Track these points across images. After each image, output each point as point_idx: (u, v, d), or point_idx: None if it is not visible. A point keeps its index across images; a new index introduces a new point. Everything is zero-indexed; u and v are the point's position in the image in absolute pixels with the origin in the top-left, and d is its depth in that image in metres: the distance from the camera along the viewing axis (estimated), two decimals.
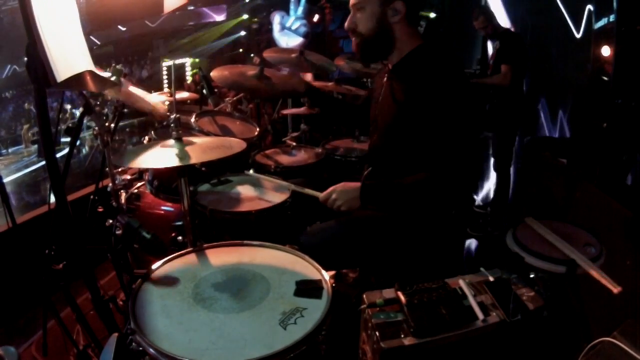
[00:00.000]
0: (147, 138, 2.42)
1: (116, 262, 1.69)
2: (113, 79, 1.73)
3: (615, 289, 1.32)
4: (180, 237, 1.76)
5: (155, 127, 2.34)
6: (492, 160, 3.90)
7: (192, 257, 1.44)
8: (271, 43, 6.32)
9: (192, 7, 6.85)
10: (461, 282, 1.28)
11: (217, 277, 1.33)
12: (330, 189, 1.58)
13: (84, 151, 5.22)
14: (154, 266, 1.36)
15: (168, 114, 2.14)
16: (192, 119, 2.28)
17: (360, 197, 1.53)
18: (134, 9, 5.64)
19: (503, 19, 4.48)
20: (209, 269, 1.37)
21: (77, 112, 1.63)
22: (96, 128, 1.71)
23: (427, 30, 5.44)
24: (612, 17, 2.94)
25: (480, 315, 1.16)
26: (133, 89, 1.95)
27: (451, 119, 1.45)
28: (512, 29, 4.28)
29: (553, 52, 4.06)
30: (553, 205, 2.94)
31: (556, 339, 1.34)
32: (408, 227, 1.61)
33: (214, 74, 2.51)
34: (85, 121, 1.63)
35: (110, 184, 1.91)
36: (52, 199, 1.36)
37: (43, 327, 1.81)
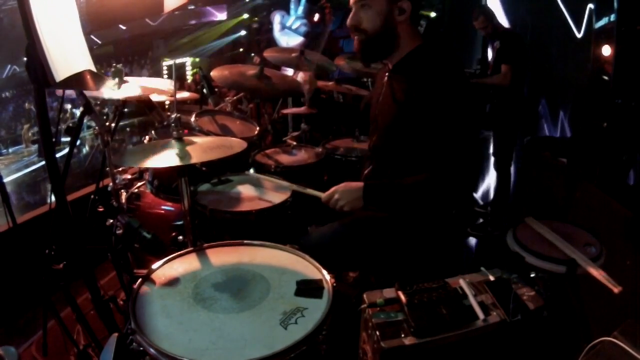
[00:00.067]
0: (147, 138, 2.42)
1: (116, 262, 1.70)
2: (115, 80, 1.73)
3: (616, 289, 1.32)
4: (180, 237, 1.76)
5: (155, 126, 2.33)
6: (492, 159, 3.91)
7: (192, 257, 1.44)
8: (271, 42, 6.32)
9: (192, 7, 6.85)
10: (461, 282, 1.28)
11: (217, 277, 1.33)
12: (333, 189, 1.57)
13: (84, 151, 5.22)
14: (154, 266, 1.36)
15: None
16: (192, 119, 2.28)
17: (362, 197, 1.52)
18: (134, 9, 5.64)
19: (502, 20, 4.48)
20: (209, 269, 1.37)
21: (77, 112, 1.62)
22: (96, 128, 1.71)
23: (427, 30, 5.43)
24: (612, 17, 2.94)
25: (481, 315, 1.16)
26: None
27: (451, 119, 1.45)
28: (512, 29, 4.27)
29: (553, 52, 4.06)
30: (553, 205, 2.94)
31: (556, 339, 1.34)
32: (408, 227, 1.61)
33: (214, 73, 2.51)
34: (85, 121, 1.63)
35: (111, 184, 1.91)
36: (53, 198, 1.36)
37: (43, 327, 1.81)
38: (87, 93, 1.56)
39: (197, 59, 6.41)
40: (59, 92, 1.61)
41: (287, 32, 6.20)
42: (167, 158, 1.46)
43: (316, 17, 6.17)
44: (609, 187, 2.52)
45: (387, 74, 1.67)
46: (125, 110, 1.84)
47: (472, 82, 3.54)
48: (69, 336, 1.74)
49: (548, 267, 1.44)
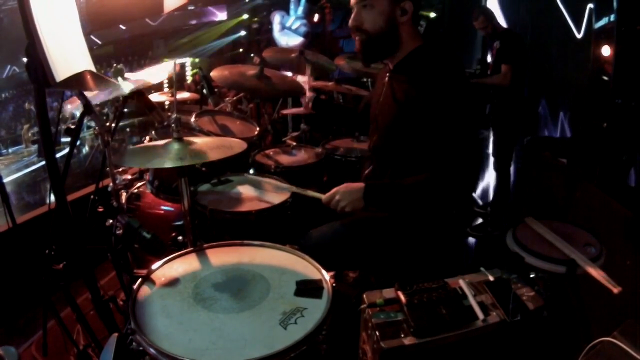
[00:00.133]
0: (147, 138, 2.42)
1: (116, 262, 1.70)
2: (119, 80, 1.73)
3: (615, 289, 1.32)
4: (180, 237, 1.76)
5: (155, 127, 2.33)
6: (492, 159, 3.91)
7: (192, 257, 1.44)
8: (271, 43, 6.32)
9: (192, 7, 6.85)
10: (461, 282, 1.28)
11: (217, 277, 1.33)
12: (333, 190, 1.57)
13: (84, 151, 5.21)
14: (154, 266, 1.36)
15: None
16: (192, 119, 2.28)
17: (363, 198, 1.52)
18: (134, 9, 5.64)
19: (500, 21, 4.48)
20: (209, 269, 1.37)
21: (77, 112, 1.62)
22: (96, 128, 1.71)
23: (427, 30, 5.44)
24: (612, 17, 2.94)
25: (481, 315, 1.16)
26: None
27: (452, 119, 1.45)
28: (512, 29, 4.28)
29: (553, 52, 4.06)
30: (553, 205, 2.94)
31: (556, 339, 1.34)
32: (409, 227, 1.61)
33: (214, 73, 2.51)
34: (85, 121, 1.63)
35: (111, 184, 1.91)
36: (52, 198, 1.36)
37: (43, 327, 1.81)
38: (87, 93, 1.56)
39: (197, 59, 6.41)
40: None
41: (287, 32, 6.20)
42: (167, 158, 1.46)
43: (316, 17, 6.17)
44: (609, 187, 2.52)
45: (387, 74, 1.67)
46: (125, 110, 1.84)
47: (472, 82, 3.54)
48: (69, 336, 1.74)
49: (548, 267, 1.44)
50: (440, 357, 1.14)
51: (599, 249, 1.51)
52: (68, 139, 1.50)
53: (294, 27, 6.15)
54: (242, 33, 7.47)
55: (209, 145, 1.60)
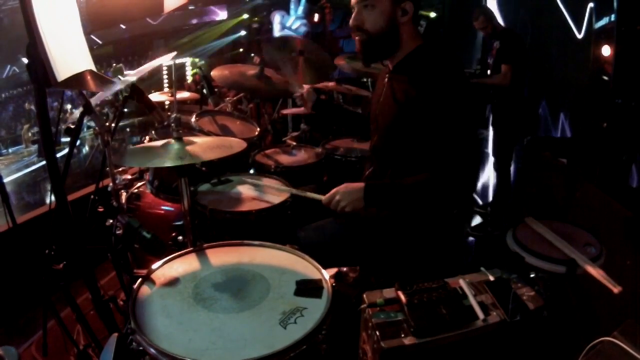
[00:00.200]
0: (147, 138, 2.42)
1: (116, 262, 1.69)
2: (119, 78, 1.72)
3: (615, 289, 1.32)
4: (180, 237, 1.76)
5: (155, 126, 2.34)
6: (492, 159, 3.91)
7: (192, 257, 1.44)
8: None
9: (192, 7, 6.86)
10: (461, 282, 1.28)
11: (217, 277, 1.33)
12: (333, 190, 1.57)
13: (84, 151, 5.22)
14: (154, 266, 1.36)
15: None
16: (192, 119, 2.28)
17: (363, 198, 1.52)
18: (134, 9, 5.65)
19: (500, 21, 4.48)
20: (209, 269, 1.37)
21: (77, 112, 1.62)
22: (96, 128, 1.71)
23: (427, 30, 5.43)
24: (612, 17, 2.94)
25: (481, 315, 1.16)
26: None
27: (452, 119, 1.45)
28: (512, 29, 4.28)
29: (553, 52, 4.06)
30: (553, 205, 2.93)
31: (556, 339, 1.34)
32: (409, 227, 1.61)
33: (214, 73, 2.52)
34: (85, 121, 1.63)
35: (111, 184, 1.91)
36: (52, 198, 1.36)
37: (43, 327, 1.81)
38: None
39: (197, 59, 6.41)
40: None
41: (287, 32, 6.21)
42: (167, 158, 1.46)
43: (316, 17, 6.17)
44: (609, 187, 2.52)
45: (387, 74, 1.67)
46: (125, 110, 1.84)
47: (472, 82, 3.54)
48: (69, 336, 1.74)
49: (548, 267, 1.44)
50: (440, 357, 1.14)
51: (599, 249, 1.51)
52: (68, 139, 1.50)
53: (294, 27, 6.16)
54: (242, 33, 7.48)
55: (209, 145, 1.60)
